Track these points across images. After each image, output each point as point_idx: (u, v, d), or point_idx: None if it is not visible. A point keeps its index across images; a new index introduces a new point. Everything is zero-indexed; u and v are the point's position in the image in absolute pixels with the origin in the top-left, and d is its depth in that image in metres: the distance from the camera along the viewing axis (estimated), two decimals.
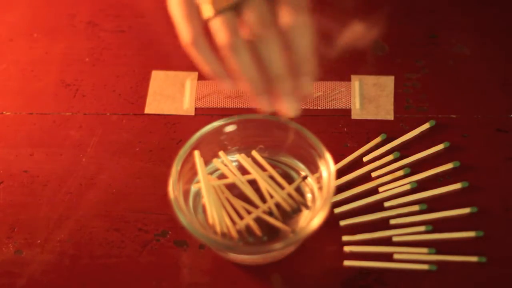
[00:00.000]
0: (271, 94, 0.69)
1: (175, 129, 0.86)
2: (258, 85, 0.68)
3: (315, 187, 0.78)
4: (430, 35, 0.93)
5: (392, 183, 0.82)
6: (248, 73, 0.67)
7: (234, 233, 0.75)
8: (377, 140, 0.84)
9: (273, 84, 0.68)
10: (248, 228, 0.76)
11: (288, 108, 0.69)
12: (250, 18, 0.66)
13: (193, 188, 0.78)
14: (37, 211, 0.81)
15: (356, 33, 0.76)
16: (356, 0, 0.96)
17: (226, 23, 0.66)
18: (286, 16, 0.66)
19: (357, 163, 0.84)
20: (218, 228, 0.75)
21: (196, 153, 0.76)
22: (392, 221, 0.79)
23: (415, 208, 0.80)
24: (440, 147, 0.84)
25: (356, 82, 0.89)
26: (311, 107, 0.88)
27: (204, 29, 0.68)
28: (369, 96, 0.88)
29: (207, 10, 0.66)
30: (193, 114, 0.88)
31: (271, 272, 0.77)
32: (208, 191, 0.75)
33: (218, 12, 0.66)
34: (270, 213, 0.77)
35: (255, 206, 0.77)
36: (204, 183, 0.75)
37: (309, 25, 0.67)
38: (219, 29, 0.66)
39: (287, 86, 0.68)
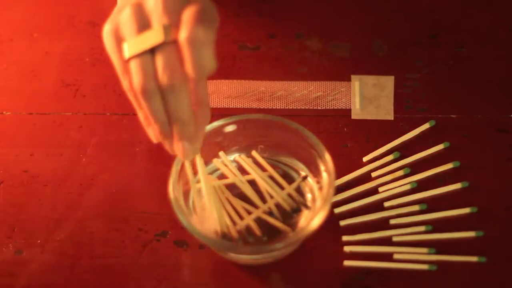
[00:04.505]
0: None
1: None
2: (166, 129, 0.68)
3: (315, 187, 0.78)
4: (430, 35, 0.93)
5: (392, 183, 0.82)
6: (158, 118, 0.67)
7: (234, 233, 0.75)
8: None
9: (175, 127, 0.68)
10: (248, 228, 0.76)
11: (184, 151, 0.69)
12: (159, 65, 0.65)
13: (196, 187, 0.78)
14: (37, 211, 0.81)
15: None
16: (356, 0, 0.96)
17: (140, 67, 0.65)
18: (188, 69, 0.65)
19: (357, 163, 0.84)
20: (218, 228, 0.75)
21: (198, 159, 0.76)
22: (392, 221, 0.79)
23: (415, 208, 0.80)
24: (440, 147, 0.84)
25: (356, 82, 0.89)
26: (311, 107, 0.88)
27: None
28: (369, 96, 0.88)
29: (125, 51, 0.66)
30: None
31: (271, 272, 0.77)
32: (209, 191, 0.75)
33: (134, 54, 0.65)
34: (270, 213, 0.77)
35: (255, 206, 0.77)
36: (204, 183, 0.75)
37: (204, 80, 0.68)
38: (135, 72, 0.65)
39: (188, 132, 0.68)
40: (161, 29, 0.64)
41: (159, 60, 0.65)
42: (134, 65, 0.65)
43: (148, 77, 0.65)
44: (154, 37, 0.65)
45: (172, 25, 0.65)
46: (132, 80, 0.66)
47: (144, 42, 0.65)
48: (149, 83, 0.65)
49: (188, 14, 0.64)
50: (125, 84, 0.67)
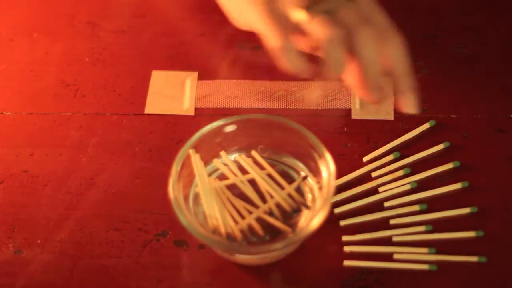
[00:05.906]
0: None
1: (175, 129, 0.86)
2: (339, 70, 0.74)
3: (315, 187, 0.78)
4: (430, 35, 0.93)
5: (392, 183, 0.82)
6: (340, 67, 0.73)
7: (238, 233, 0.75)
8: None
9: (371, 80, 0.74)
10: (250, 228, 0.76)
11: (408, 104, 0.76)
12: (347, 17, 0.71)
13: (196, 190, 0.77)
14: (37, 211, 0.81)
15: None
16: None
17: (325, 22, 0.71)
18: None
19: (357, 163, 0.84)
20: (222, 229, 0.75)
21: (196, 157, 0.76)
22: (392, 221, 0.79)
23: (415, 208, 0.80)
24: (440, 147, 0.84)
25: None
26: (311, 107, 0.88)
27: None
28: None
29: (300, 15, 0.71)
30: (193, 114, 0.88)
31: (271, 272, 0.77)
32: (210, 194, 0.75)
33: (313, 16, 0.71)
34: (270, 213, 0.77)
35: (256, 206, 0.77)
36: (204, 186, 0.75)
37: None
38: (317, 28, 0.71)
39: (402, 84, 0.75)
40: None
41: (347, 14, 0.73)
42: (314, 23, 0.72)
43: (332, 29, 0.71)
44: None
45: None
46: (313, 37, 0.72)
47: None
48: (333, 34, 0.71)
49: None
50: (272, 40, 0.73)
